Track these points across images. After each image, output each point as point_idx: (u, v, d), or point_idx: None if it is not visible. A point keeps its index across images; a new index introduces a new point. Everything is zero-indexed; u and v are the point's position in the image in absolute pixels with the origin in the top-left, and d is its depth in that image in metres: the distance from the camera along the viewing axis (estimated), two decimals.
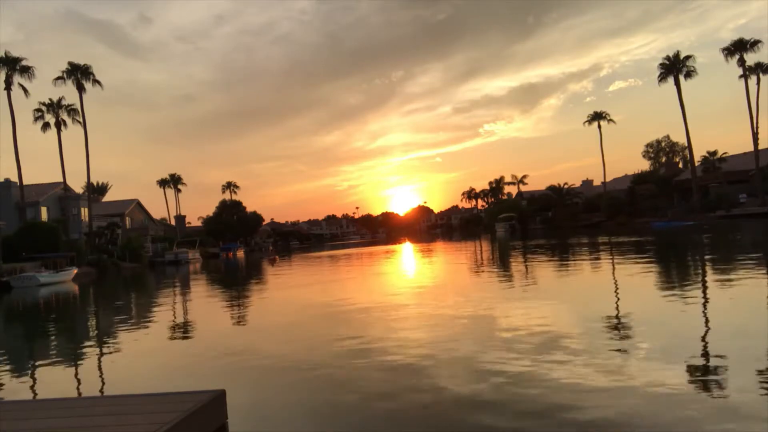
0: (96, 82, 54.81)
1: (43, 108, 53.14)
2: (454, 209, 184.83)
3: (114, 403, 5.11)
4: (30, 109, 53.75)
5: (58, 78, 53.54)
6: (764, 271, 15.42)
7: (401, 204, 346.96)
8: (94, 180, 70.02)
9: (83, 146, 54.78)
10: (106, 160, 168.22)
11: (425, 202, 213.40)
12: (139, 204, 77.20)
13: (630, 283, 15.23)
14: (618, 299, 12.81)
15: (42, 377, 9.25)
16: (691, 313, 10.20)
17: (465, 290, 16.89)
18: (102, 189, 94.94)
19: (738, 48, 63.02)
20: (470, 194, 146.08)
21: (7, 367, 10.33)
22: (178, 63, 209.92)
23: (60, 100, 53.58)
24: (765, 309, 10.05)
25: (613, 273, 18.66)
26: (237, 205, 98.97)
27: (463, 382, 6.66)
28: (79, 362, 10.40)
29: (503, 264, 26.85)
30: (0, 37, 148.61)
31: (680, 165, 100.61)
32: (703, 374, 6.40)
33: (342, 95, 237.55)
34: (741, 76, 63.86)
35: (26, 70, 49.74)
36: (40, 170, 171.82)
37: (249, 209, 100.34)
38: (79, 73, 53.81)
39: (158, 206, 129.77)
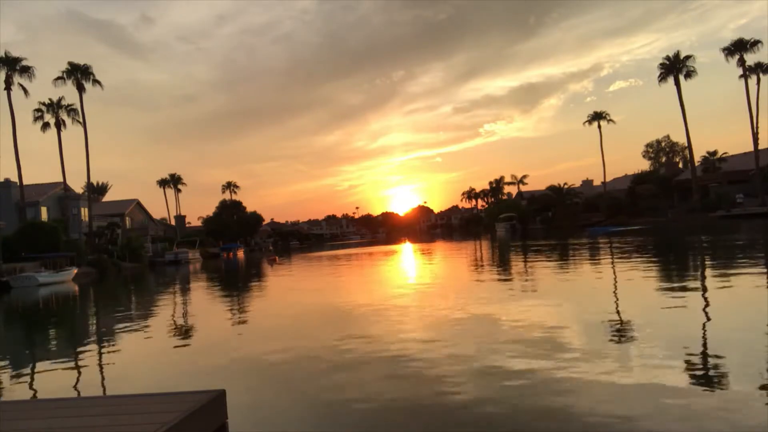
0: (96, 82, 54.83)
1: (43, 108, 53.13)
2: (454, 209, 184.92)
3: (114, 403, 5.09)
4: (30, 109, 53.89)
5: (58, 78, 53.56)
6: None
7: (401, 204, 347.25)
8: (94, 180, 70.09)
9: (83, 146, 54.87)
10: (106, 160, 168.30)
11: (425, 202, 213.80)
12: (139, 204, 77.16)
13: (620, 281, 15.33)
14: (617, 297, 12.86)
15: (41, 377, 9.24)
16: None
17: (467, 291, 16.86)
18: (102, 189, 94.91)
19: (738, 48, 63.13)
20: (470, 194, 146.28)
21: (7, 367, 10.32)
22: (179, 63, 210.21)
23: (60, 100, 53.59)
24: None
25: (614, 274, 18.69)
26: (237, 205, 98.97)
27: (465, 382, 6.64)
28: (78, 362, 10.38)
29: (504, 264, 26.82)
30: (1, 37, 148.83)
31: (680, 165, 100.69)
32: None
33: (343, 95, 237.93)
34: (741, 76, 64.00)
35: (26, 70, 49.76)
36: (40, 170, 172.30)
37: (249, 209, 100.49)
38: (79, 73, 53.79)
39: (158, 206, 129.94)
